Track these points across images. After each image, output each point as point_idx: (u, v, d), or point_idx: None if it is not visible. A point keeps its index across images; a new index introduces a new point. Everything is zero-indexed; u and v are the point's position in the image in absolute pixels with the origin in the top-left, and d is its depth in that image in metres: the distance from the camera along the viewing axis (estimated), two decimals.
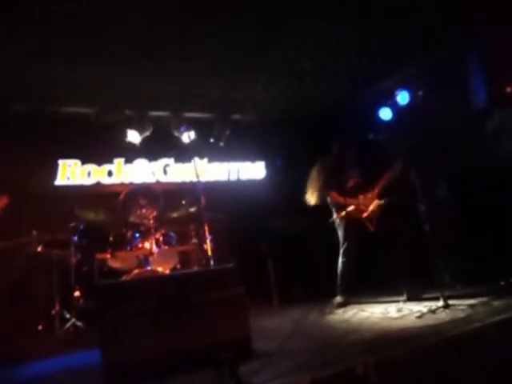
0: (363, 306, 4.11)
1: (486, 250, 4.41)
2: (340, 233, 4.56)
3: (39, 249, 4.60)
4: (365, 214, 4.33)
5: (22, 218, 4.83)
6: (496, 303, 3.28)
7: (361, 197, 4.42)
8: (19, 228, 4.64)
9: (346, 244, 4.47)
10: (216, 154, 6.53)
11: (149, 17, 4.08)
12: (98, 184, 5.89)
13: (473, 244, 4.61)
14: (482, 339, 2.55)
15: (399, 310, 3.61)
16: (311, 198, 4.65)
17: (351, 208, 4.38)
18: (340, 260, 4.51)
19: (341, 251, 4.52)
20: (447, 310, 3.27)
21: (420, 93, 5.82)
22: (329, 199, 4.61)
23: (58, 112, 5.63)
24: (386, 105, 6.06)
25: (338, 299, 4.37)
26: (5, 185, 4.65)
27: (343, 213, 4.42)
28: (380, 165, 4.47)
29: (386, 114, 6.08)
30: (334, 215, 4.58)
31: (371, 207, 4.33)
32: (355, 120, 5.85)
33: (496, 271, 4.13)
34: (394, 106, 6.00)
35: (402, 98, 5.88)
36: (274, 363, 2.36)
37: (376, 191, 4.38)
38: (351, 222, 4.44)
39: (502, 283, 4.02)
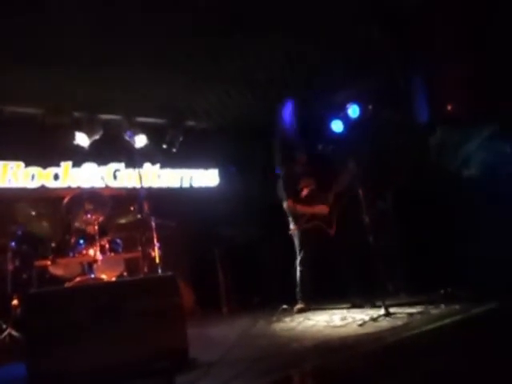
0: (311, 314, 4.16)
1: (428, 259, 4.59)
2: (296, 241, 4.59)
3: None
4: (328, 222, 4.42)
5: None
6: (434, 311, 3.42)
7: (315, 205, 4.52)
8: None
9: (302, 252, 4.50)
10: (169, 160, 6.44)
11: (100, 17, 3.99)
12: (43, 187, 5.63)
13: (415, 254, 4.79)
14: (417, 346, 2.64)
15: (343, 319, 3.68)
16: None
17: (309, 212, 4.46)
18: (298, 269, 4.52)
19: (298, 259, 4.54)
20: (388, 318, 3.37)
21: (370, 107, 6.03)
22: (285, 205, 4.64)
23: (1, 111, 5.36)
24: (337, 117, 6.24)
25: (299, 305, 4.39)
26: None
27: (302, 223, 4.48)
28: (331, 174, 4.59)
29: (337, 126, 6.24)
30: (291, 225, 4.63)
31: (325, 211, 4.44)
32: (307, 131, 5.96)
33: (437, 280, 4.30)
34: (345, 118, 6.18)
35: (353, 111, 6.06)
36: (214, 373, 2.32)
37: (332, 195, 4.50)
38: (308, 231, 4.48)
39: (442, 292, 4.19)
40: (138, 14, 4.05)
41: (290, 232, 4.63)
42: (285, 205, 4.66)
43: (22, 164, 5.53)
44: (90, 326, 2.17)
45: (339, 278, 4.51)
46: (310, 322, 3.78)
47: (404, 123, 5.35)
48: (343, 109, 6.09)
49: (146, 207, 4.34)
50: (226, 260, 5.82)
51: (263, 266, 5.99)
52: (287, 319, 4.12)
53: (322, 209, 4.50)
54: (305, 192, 4.63)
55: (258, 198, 6.57)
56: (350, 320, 3.56)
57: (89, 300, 2.23)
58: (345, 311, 3.98)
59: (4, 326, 4.20)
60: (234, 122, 6.58)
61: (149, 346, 2.26)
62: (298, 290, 4.49)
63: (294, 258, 4.64)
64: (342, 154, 4.88)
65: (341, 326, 3.38)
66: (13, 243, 4.32)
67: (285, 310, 4.51)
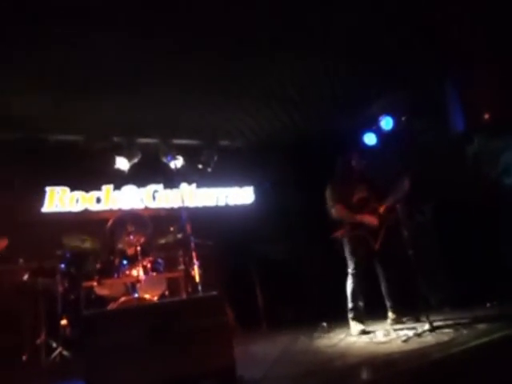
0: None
1: (471, 271, 4.47)
2: (346, 252, 4.27)
3: (25, 277, 4.56)
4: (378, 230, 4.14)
5: (8, 246, 4.80)
6: (480, 326, 3.32)
7: (367, 212, 4.22)
8: (6, 256, 4.61)
9: (353, 265, 4.18)
10: (204, 179, 6.58)
11: (137, 45, 4.19)
12: (86, 211, 5.89)
13: (458, 266, 4.67)
14: (465, 362, 2.58)
15: (386, 334, 3.63)
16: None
17: (358, 221, 4.16)
18: (349, 282, 4.19)
19: (349, 272, 4.20)
20: (433, 334, 3.30)
21: (403, 118, 5.99)
22: (334, 212, 4.30)
23: (46, 139, 5.67)
24: (370, 130, 6.22)
25: (357, 327, 3.99)
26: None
27: (348, 230, 4.19)
28: (381, 185, 4.43)
29: (370, 139, 6.22)
30: (338, 231, 4.29)
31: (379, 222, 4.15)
32: (340, 145, 5.97)
33: (482, 294, 4.19)
34: (378, 131, 6.15)
35: (386, 123, 6.03)
36: None
37: (383, 207, 4.20)
38: (357, 239, 4.19)
39: (488, 305, 4.07)
40: (177, 43, 4.22)
41: (336, 236, 4.31)
42: (333, 211, 4.31)
43: (67, 189, 5.81)
44: (142, 346, 2.27)
45: (380, 293, 4.39)
46: (353, 339, 3.75)
47: (439, 133, 5.29)
48: (376, 121, 6.08)
49: (188, 228, 4.44)
50: (263, 276, 5.84)
51: (301, 282, 5.98)
52: (329, 335, 4.10)
53: (371, 220, 4.17)
54: (356, 199, 4.34)
55: (293, 214, 6.61)
56: (393, 336, 3.51)
57: (140, 320, 2.33)
58: (388, 327, 3.92)
59: (54, 345, 4.38)
60: (267, 139, 6.67)
61: (198, 365, 2.33)
62: (350, 306, 4.14)
63: (333, 274, 4.52)
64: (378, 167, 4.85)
65: (384, 343, 3.35)
66: (62, 265, 4.53)
67: (325, 327, 4.47)
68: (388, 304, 4.22)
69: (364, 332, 3.90)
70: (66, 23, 3.74)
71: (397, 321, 4.09)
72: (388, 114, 5.99)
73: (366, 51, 4.73)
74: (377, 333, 3.78)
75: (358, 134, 6.18)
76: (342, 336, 3.93)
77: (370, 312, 4.57)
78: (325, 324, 4.52)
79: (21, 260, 4.56)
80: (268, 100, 5.69)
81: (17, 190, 5.36)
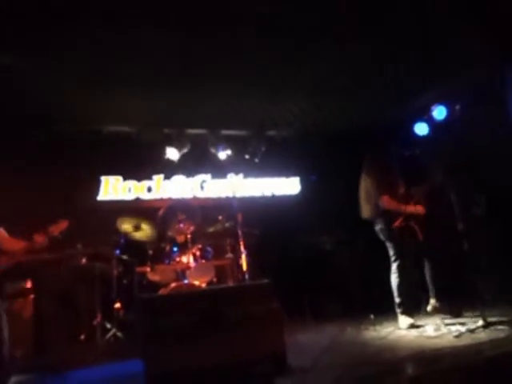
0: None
1: None
2: (391, 245, 4.19)
3: (83, 261, 4.82)
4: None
5: (67, 232, 5.08)
6: None
7: (413, 203, 4.19)
8: (65, 241, 4.88)
9: (399, 260, 4.10)
10: (251, 169, 6.64)
11: (187, 40, 4.27)
12: (138, 199, 6.11)
13: None
14: None
15: (437, 329, 3.56)
16: (365, 211, 4.38)
17: (408, 211, 4.11)
18: (394, 276, 4.11)
19: (394, 266, 4.13)
20: (487, 330, 3.21)
21: (457, 107, 5.75)
22: (380, 203, 4.18)
23: (100, 131, 5.92)
24: (421, 120, 6.03)
25: (406, 320, 3.92)
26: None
27: (398, 221, 4.11)
28: (420, 176, 4.37)
29: (421, 129, 6.03)
30: (384, 224, 4.20)
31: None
32: (390, 135, 5.84)
33: None
34: (430, 121, 5.95)
35: (439, 112, 5.82)
36: (310, 379, 2.39)
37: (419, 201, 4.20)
38: (404, 230, 4.11)
39: None
40: (225, 37, 4.26)
41: (395, 226, 4.15)
42: (382, 200, 4.18)
43: (120, 178, 6.05)
44: (196, 330, 2.36)
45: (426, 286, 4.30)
46: (401, 332, 3.70)
47: (496, 122, 5.05)
48: (428, 110, 5.89)
49: (239, 217, 4.51)
50: (308, 267, 5.85)
51: (345, 274, 5.94)
52: (377, 328, 4.06)
53: (419, 209, 4.16)
54: (401, 190, 4.31)
55: (339, 205, 6.55)
56: (444, 331, 3.44)
57: (195, 305, 2.42)
58: (438, 321, 3.83)
59: (109, 327, 4.62)
60: (314, 129, 6.62)
61: (249, 351, 2.39)
62: (397, 301, 4.06)
63: (378, 265, 4.48)
64: (430, 158, 4.71)
65: (435, 337, 3.29)
66: (117, 251, 4.74)
67: (372, 319, 4.43)
68: (431, 292, 4.17)
69: (413, 326, 3.82)
70: (122, 22, 3.86)
71: (438, 309, 4.04)
72: (441, 102, 5.79)
73: (420, 37, 4.56)
74: (427, 327, 3.71)
75: (408, 124, 6.03)
76: (389, 329, 3.89)
77: (418, 306, 4.53)
78: (372, 316, 4.48)
79: (79, 245, 4.80)
80: (316, 89, 5.63)
81: (74, 178, 5.64)
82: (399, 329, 3.85)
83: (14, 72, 4.39)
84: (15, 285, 4.53)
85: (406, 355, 2.76)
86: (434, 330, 3.53)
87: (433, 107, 5.80)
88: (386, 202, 4.14)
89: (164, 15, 3.86)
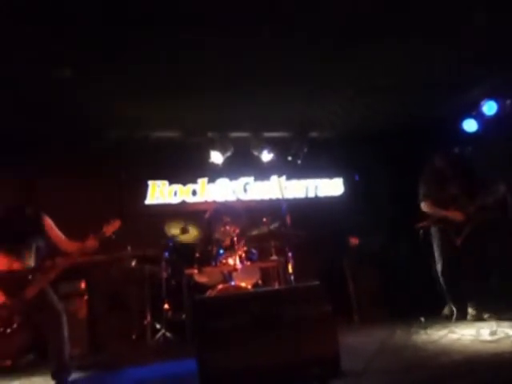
0: (454, 327, 3.93)
1: None
2: (435, 247, 4.43)
3: (133, 263, 4.98)
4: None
5: (118, 234, 5.26)
6: None
7: (455, 208, 4.30)
8: (116, 243, 5.06)
9: (441, 263, 4.33)
10: (294, 171, 6.63)
11: (232, 47, 4.31)
12: (183, 203, 6.24)
13: None
14: None
15: (493, 333, 3.42)
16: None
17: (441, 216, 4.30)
18: (441, 280, 4.36)
19: (439, 269, 4.36)
20: None
21: (508, 102, 5.53)
22: (422, 206, 4.50)
23: (147, 137, 6.09)
24: (470, 116, 5.83)
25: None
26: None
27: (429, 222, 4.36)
28: (476, 181, 4.39)
29: (470, 125, 5.84)
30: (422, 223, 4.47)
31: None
32: (437, 133, 5.68)
33: None
34: (479, 117, 5.75)
35: (489, 108, 5.61)
36: (363, 383, 2.36)
37: (473, 206, 4.24)
38: (442, 233, 4.32)
39: None
40: (267, 37, 4.27)
41: (420, 226, 4.47)
42: (422, 205, 4.52)
43: (166, 182, 6.21)
44: (250, 331, 2.39)
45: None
46: (455, 336, 3.59)
47: None
48: (477, 106, 5.69)
49: (288, 219, 4.53)
50: (354, 269, 5.77)
51: (391, 276, 5.81)
52: (428, 331, 3.96)
53: (455, 215, 4.25)
54: (446, 195, 4.41)
55: (384, 205, 6.43)
56: (501, 335, 3.30)
57: (248, 307, 2.45)
58: (494, 325, 3.69)
59: (158, 327, 4.75)
60: (357, 129, 6.53)
61: (302, 353, 2.40)
62: (451, 306, 4.31)
63: (424, 267, 4.49)
64: (481, 155, 4.57)
65: (492, 342, 3.16)
66: (166, 253, 4.87)
67: (423, 322, 4.32)
68: (469, 302, 4.22)
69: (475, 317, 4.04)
70: (174, 29, 3.95)
71: (477, 317, 4.08)
72: (491, 98, 5.58)
73: (469, 32, 4.40)
74: (481, 331, 3.58)
75: (456, 121, 5.85)
76: (442, 332, 3.78)
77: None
78: (423, 319, 4.36)
79: (129, 247, 4.96)
80: (359, 89, 5.55)
81: (123, 183, 5.83)
82: (452, 332, 3.73)
83: (71, 84, 4.58)
84: (70, 285, 4.77)
85: (462, 359, 2.68)
86: (490, 335, 3.40)
87: (482, 102, 5.61)
88: (425, 206, 4.45)
89: (213, 20, 3.90)
